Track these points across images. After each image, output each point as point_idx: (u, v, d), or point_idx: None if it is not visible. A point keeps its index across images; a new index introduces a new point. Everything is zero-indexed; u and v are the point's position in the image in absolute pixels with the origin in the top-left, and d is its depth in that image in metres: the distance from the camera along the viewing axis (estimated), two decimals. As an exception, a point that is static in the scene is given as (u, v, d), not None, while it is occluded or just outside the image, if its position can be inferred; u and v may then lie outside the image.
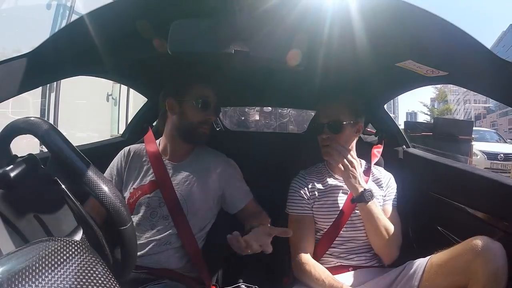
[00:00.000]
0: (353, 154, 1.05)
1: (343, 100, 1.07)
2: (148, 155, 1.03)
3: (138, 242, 0.91)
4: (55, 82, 4.96)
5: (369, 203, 0.97)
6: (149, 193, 0.98)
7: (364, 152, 1.16)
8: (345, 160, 0.99)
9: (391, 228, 0.99)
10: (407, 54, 0.76)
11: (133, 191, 0.99)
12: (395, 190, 1.10)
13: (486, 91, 0.84)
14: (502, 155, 7.14)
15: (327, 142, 1.03)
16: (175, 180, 0.99)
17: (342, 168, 0.99)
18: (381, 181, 1.09)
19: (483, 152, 7.32)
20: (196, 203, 0.98)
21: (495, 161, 7.10)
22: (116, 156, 1.07)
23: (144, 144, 1.08)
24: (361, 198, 0.97)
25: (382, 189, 1.08)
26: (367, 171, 1.10)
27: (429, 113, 26.07)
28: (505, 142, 8.47)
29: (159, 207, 0.97)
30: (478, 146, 7.53)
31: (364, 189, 0.97)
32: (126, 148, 1.07)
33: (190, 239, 0.96)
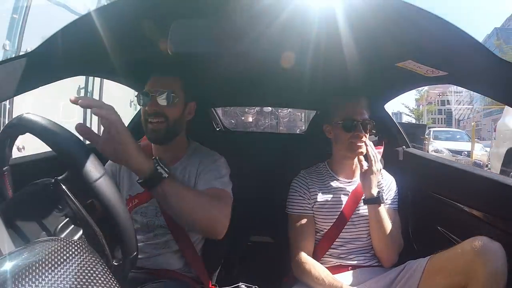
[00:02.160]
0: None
1: (364, 99, 1.07)
2: None
3: None
4: (98, 90, 5.22)
5: (381, 205, 0.98)
6: (145, 202, 0.95)
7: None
8: (374, 157, 1.01)
9: (395, 232, 1.00)
10: (407, 54, 0.76)
11: (130, 198, 0.96)
12: (396, 193, 1.10)
13: (486, 91, 0.84)
14: (465, 152, 8.47)
15: (362, 140, 1.02)
16: None
17: (371, 164, 1.00)
18: (382, 183, 1.09)
19: (448, 150, 8.69)
20: None
21: (459, 157, 8.21)
22: (109, 161, 1.01)
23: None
24: (376, 200, 0.98)
25: (383, 192, 1.08)
26: None
27: (411, 114, 27.18)
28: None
29: (156, 216, 0.94)
30: (445, 145, 9.09)
31: (379, 191, 0.99)
32: None
33: (188, 244, 0.95)
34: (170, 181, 0.71)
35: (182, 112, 0.96)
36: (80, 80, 5.53)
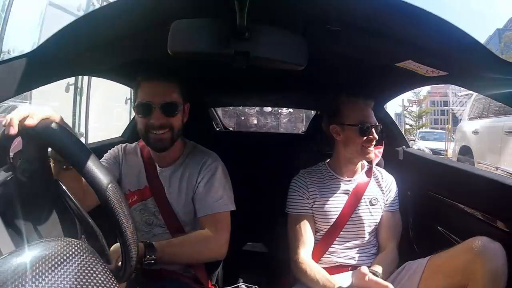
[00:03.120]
0: None
1: (372, 100, 1.07)
2: (143, 159, 0.99)
3: None
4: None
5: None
6: (145, 199, 0.95)
7: None
8: None
9: (395, 257, 0.99)
10: (407, 54, 0.76)
11: (130, 193, 0.96)
12: (396, 194, 1.10)
13: (486, 91, 0.84)
14: (444, 151, 9.78)
15: (373, 143, 1.02)
16: (165, 188, 0.95)
17: None
18: (381, 183, 1.09)
19: (430, 149, 9.77)
20: (186, 211, 0.95)
21: (440, 156, 9.82)
22: (112, 150, 1.01)
23: (139, 144, 1.03)
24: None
25: (383, 192, 1.08)
26: (369, 172, 1.10)
27: (408, 115, 27.83)
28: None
29: (155, 215, 0.94)
30: (427, 144, 10.57)
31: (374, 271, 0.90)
32: (123, 145, 1.03)
33: None
34: (163, 259, 0.80)
35: (183, 117, 0.95)
36: (127, 91, 6.29)
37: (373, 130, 1.02)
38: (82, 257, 0.38)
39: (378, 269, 0.91)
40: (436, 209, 1.12)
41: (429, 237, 1.13)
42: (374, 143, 1.03)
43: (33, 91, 0.63)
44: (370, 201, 1.04)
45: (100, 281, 0.37)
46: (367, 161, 1.14)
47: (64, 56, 0.72)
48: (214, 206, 0.91)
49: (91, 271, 0.38)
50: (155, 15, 0.67)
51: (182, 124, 0.95)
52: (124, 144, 1.04)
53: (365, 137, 1.01)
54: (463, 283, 0.76)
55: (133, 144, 1.05)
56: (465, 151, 4.74)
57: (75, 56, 0.76)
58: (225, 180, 0.96)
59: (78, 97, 5.62)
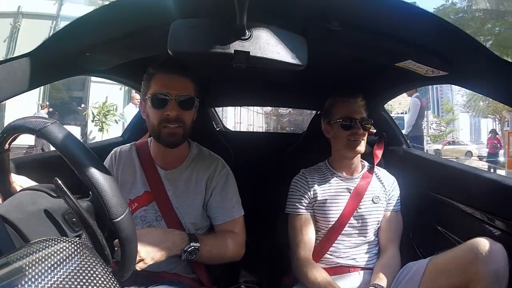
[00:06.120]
0: None
1: (361, 98, 1.07)
2: (141, 162, 0.96)
3: None
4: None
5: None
6: (145, 205, 0.93)
7: (365, 152, 1.16)
8: None
9: (396, 263, 0.99)
10: (407, 54, 0.76)
11: (129, 202, 0.92)
12: (399, 194, 1.09)
13: (486, 91, 0.84)
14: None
15: (362, 138, 1.04)
16: (170, 191, 0.93)
17: None
18: (384, 182, 1.09)
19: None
20: (192, 215, 0.94)
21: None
22: (106, 160, 0.98)
23: (135, 146, 1.00)
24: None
25: (386, 191, 1.07)
26: (370, 171, 1.10)
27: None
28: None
29: (156, 221, 0.92)
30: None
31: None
32: (117, 149, 1.00)
33: None
34: (201, 250, 0.84)
35: (194, 114, 0.94)
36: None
37: (359, 123, 1.02)
38: (82, 257, 0.38)
39: (382, 282, 0.91)
40: (437, 210, 1.12)
41: (430, 237, 1.13)
42: (364, 137, 1.04)
43: None
44: (372, 199, 1.04)
45: (100, 282, 0.37)
46: (367, 161, 1.14)
47: (64, 56, 0.72)
48: (232, 212, 0.95)
49: (91, 271, 0.38)
50: (155, 15, 0.67)
51: (192, 122, 0.93)
52: (118, 148, 1.00)
53: (349, 131, 1.03)
54: (464, 284, 0.76)
55: (128, 146, 1.01)
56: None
57: (75, 56, 0.76)
58: (235, 185, 0.99)
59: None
